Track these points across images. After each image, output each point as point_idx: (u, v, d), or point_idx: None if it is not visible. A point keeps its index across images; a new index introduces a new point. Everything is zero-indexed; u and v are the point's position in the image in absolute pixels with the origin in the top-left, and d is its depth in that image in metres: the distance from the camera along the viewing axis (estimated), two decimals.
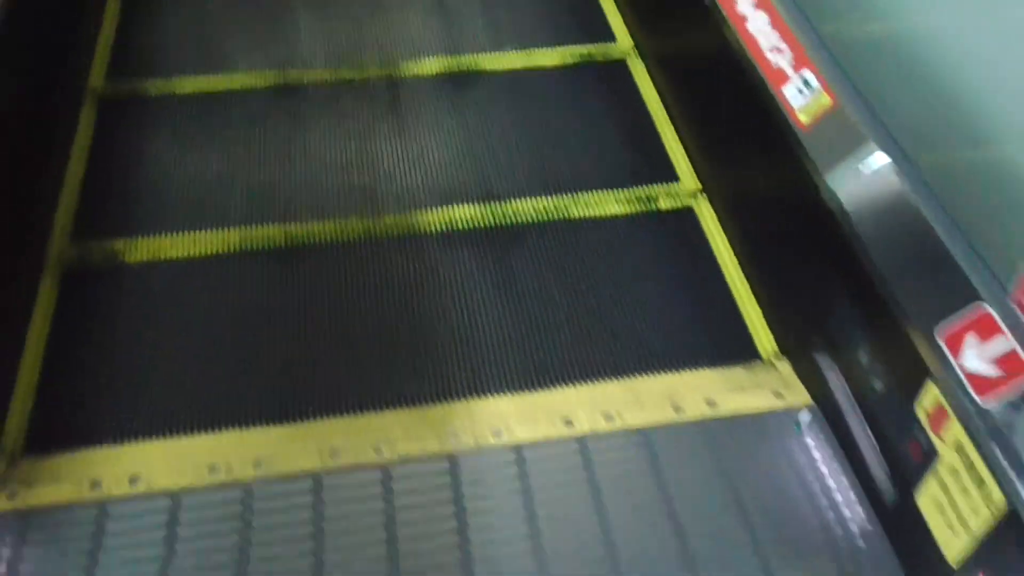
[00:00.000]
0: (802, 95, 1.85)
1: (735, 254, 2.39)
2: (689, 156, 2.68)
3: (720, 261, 2.40)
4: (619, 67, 3.04)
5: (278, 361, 2.15)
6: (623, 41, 3.12)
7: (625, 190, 2.59)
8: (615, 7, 3.26)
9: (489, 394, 2.08)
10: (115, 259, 2.38)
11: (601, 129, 2.80)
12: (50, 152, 2.56)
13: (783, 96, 1.91)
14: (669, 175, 2.65)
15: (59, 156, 2.58)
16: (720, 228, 2.47)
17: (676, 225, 2.53)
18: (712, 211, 2.52)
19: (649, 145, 2.75)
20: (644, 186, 2.61)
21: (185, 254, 2.40)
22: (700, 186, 2.59)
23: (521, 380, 2.11)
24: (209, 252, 2.40)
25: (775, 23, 1.97)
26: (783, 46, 1.93)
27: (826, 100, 1.81)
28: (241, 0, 3.22)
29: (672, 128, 2.77)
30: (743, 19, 2.05)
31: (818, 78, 1.84)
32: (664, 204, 2.56)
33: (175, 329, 2.21)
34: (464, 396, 2.07)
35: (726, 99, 2.38)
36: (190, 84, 2.88)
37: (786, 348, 2.19)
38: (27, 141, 2.42)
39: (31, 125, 2.46)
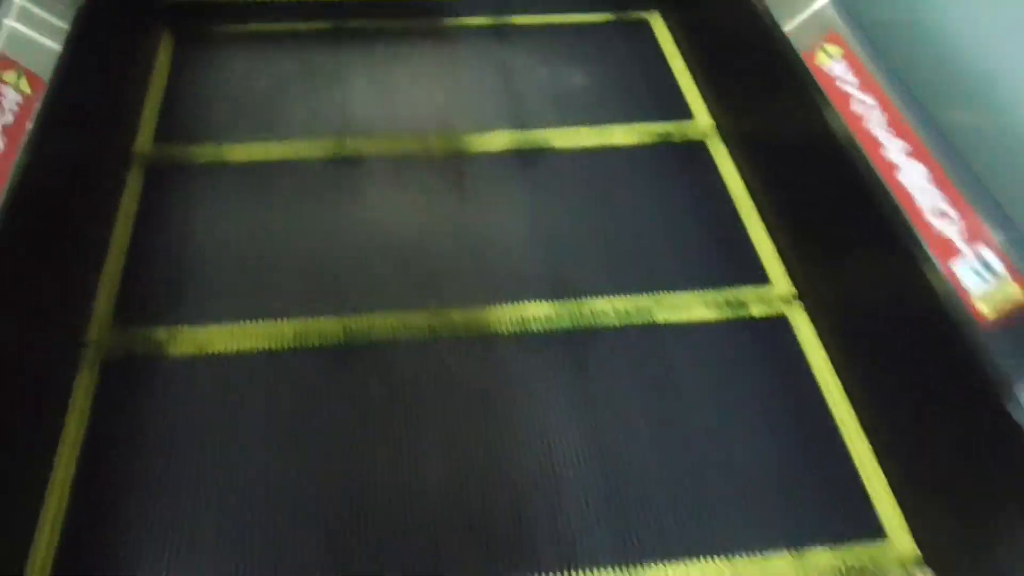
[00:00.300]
0: (981, 280, 1.58)
1: (844, 388, 2.15)
2: (781, 256, 2.46)
3: (824, 389, 2.17)
4: (698, 149, 2.82)
5: (331, 508, 1.93)
6: (701, 120, 2.91)
7: (712, 291, 2.38)
8: (692, 80, 3.06)
9: (579, 571, 1.84)
10: (158, 351, 2.18)
11: (682, 218, 2.59)
12: (94, 224, 2.38)
13: (952, 273, 1.65)
14: (759, 276, 2.43)
15: (103, 229, 2.39)
16: (823, 347, 2.24)
17: (770, 335, 2.31)
18: (811, 324, 2.29)
19: (735, 239, 2.54)
20: (732, 287, 2.39)
21: (234, 348, 2.20)
22: (795, 291, 2.36)
23: (613, 550, 1.88)
24: (259, 348, 2.20)
25: (939, 182, 1.71)
26: (951, 212, 1.67)
27: (1016, 292, 1.54)
28: (294, 62, 3.03)
29: (761, 222, 2.55)
30: (892, 166, 1.79)
31: (1004, 262, 1.58)
32: (756, 310, 2.33)
33: (218, 447, 2.01)
34: (551, 572, 1.84)
35: (836, 204, 2.16)
36: (241, 151, 2.69)
37: (930, 549, 1.88)
38: (69, 213, 2.23)
39: (74, 195, 2.27)
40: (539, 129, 2.84)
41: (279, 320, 2.25)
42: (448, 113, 2.91)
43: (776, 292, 2.38)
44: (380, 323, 2.25)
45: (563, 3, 3.32)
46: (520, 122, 2.87)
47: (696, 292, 2.37)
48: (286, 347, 2.20)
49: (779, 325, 2.32)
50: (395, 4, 3.24)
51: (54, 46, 2.02)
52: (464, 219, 2.55)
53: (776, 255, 2.47)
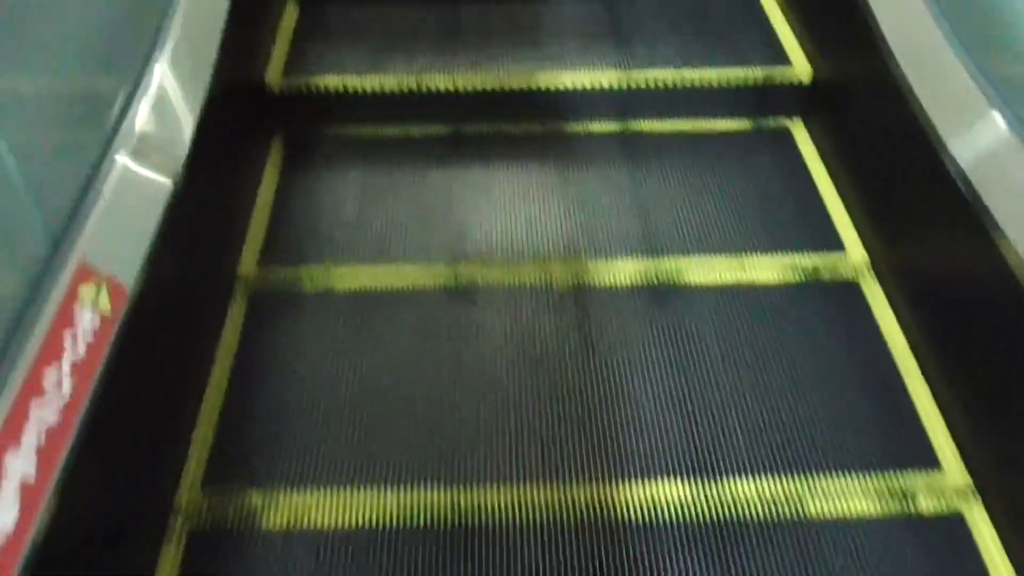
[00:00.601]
0: None
1: None
2: (952, 433, 2.12)
3: None
4: (851, 290, 2.51)
5: None
6: (854, 252, 2.60)
7: (874, 476, 2.06)
8: (841, 204, 2.75)
9: None
10: (251, 520, 1.99)
11: (836, 379, 2.29)
12: (191, 369, 2.20)
13: None
14: (927, 458, 2.11)
15: (201, 374, 2.22)
16: (1007, 558, 1.90)
17: (943, 537, 1.98)
18: (992, 526, 1.95)
19: (897, 409, 2.22)
20: (895, 471, 2.07)
21: (332, 522, 1.99)
22: (971, 482, 2.03)
23: None
24: (360, 522, 1.99)
25: None
26: None
27: None
28: (409, 173, 2.85)
29: (927, 389, 2.22)
30: None
31: None
32: (925, 505, 2.01)
33: None
34: None
35: None
36: (350, 277, 2.51)
37: None
38: (166, 361, 2.05)
39: (172, 340, 2.09)
40: (671, 256, 2.59)
41: (383, 488, 2.05)
42: (571, 235, 2.69)
43: (949, 481, 2.05)
44: (494, 499, 2.02)
45: (694, 109, 3.06)
46: (650, 248, 2.62)
47: (853, 475, 2.06)
48: (389, 523, 2.00)
49: (954, 526, 1.99)
50: (516, 102, 3.03)
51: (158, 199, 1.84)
52: (588, 372, 2.31)
53: (947, 432, 2.14)
